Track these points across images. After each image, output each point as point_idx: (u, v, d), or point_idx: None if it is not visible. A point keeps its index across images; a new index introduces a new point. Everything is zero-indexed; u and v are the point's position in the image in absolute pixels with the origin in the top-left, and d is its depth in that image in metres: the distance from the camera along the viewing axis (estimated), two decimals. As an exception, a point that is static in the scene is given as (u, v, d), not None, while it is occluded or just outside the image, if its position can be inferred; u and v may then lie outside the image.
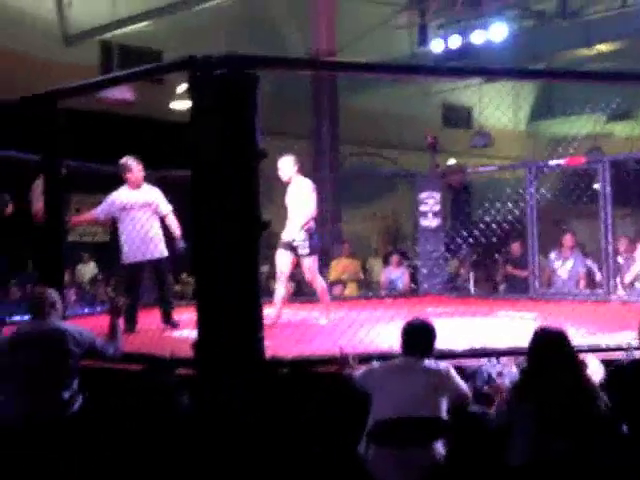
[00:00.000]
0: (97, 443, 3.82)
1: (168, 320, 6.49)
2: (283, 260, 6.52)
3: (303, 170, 6.70)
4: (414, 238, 10.01)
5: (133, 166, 6.53)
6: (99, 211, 6.65)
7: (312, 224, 6.51)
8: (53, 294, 4.25)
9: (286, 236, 6.52)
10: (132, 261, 6.43)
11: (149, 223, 6.39)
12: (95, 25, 13.94)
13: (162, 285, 6.64)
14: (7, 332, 4.53)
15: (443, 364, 3.89)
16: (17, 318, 6.46)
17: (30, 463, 3.76)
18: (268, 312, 6.08)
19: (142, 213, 6.42)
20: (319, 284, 6.69)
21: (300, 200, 6.48)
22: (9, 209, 5.47)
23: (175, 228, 6.52)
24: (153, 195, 6.54)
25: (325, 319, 6.58)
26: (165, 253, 6.50)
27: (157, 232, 6.48)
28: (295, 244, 6.45)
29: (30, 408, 3.87)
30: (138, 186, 6.55)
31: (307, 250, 6.44)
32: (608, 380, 3.74)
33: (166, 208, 6.58)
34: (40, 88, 5.51)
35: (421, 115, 11.58)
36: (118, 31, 12.35)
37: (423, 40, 12.61)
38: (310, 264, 6.52)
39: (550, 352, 3.53)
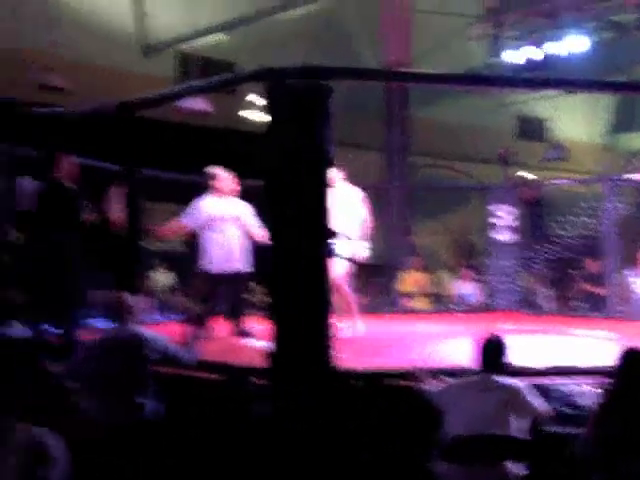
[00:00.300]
0: (172, 448, 3.86)
1: (239, 330, 6.44)
2: (337, 269, 6.38)
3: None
4: (486, 252, 9.85)
5: (221, 175, 6.44)
6: (188, 220, 6.47)
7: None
8: (132, 300, 4.33)
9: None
10: (216, 272, 6.33)
11: (236, 235, 6.33)
12: (171, 36, 14.26)
13: (237, 296, 6.57)
14: (86, 337, 4.65)
15: (517, 381, 3.80)
16: (95, 323, 6.61)
17: (108, 467, 3.82)
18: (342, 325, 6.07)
19: (230, 224, 6.34)
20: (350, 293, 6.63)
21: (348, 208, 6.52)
22: (89, 217, 5.62)
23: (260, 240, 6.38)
24: (241, 207, 6.44)
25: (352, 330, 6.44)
26: (249, 267, 6.34)
27: (243, 245, 6.37)
28: (339, 250, 6.36)
29: (107, 411, 3.96)
30: (225, 195, 6.47)
31: (347, 255, 6.44)
32: None
33: (252, 221, 6.44)
34: (119, 98, 5.64)
35: (494, 127, 11.43)
36: (193, 42, 12.59)
37: (497, 51, 12.44)
38: (348, 270, 6.50)
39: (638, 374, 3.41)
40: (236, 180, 6.46)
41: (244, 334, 6.35)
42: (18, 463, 2.27)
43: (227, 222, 6.36)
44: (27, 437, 2.35)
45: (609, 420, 3.41)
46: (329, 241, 6.10)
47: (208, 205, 6.43)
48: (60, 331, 5.36)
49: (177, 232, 6.58)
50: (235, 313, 6.52)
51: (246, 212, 6.38)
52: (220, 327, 6.50)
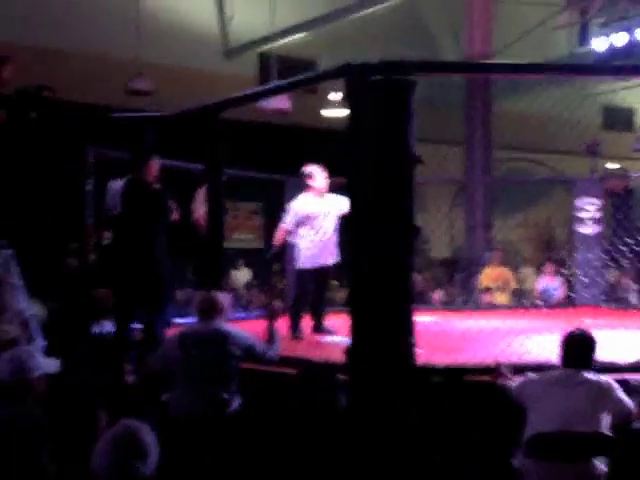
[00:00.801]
0: (255, 443, 3.95)
1: (320, 326, 6.51)
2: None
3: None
4: (571, 246, 9.62)
5: (317, 174, 6.51)
6: (288, 223, 6.57)
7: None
8: (222, 298, 4.44)
9: None
10: (309, 267, 6.44)
11: (330, 231, 6.41)
12: (253, 38, 14.47)
13: (322, 291, 6.66)
14: (171, 333, 4.79)
15: (604, 377, 3.73)
16: (181, 320, 6.81)
17: (193, 462, 3.94)
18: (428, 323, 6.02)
19: (324, 221, 6.43)
20: None
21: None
22: (175, 216, 5.77)
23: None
24: (337, 203, 6.37)
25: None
26: (338, 259, 6.40)
27: (335, 239, 6.43)
28: None
29: (193, 405, 4.07)
30: (322, 194, 6.54)
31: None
32: None
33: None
34: (203, 99, 5.79)
35: (581, 118, 11.12)
36: (274, 43, 12.75)
37: (584, 39, 12.11)
38: None
39: None
40: (329, 176, 6.49)
41: (325, 331, 6.42)
42: (114, 456, 2.33)
43: (322, 219, 6.44)
44: (123, 430, 2.41)
45: None
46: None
47: (304, 204, 6.52)
48: (149, 329, 5.50)
49: (284, 236, 6.66)
50: (317, 308, 6.60)
51: (341, 206, 6.23)
52: (303, 323, 6.59)
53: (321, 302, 6.64)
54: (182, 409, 4.10)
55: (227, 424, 4.12)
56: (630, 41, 11.52)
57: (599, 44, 11.87)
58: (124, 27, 13.06)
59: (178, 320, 6.84)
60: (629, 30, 11.54)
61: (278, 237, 6.64)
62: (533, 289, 10.49)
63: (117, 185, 5.71)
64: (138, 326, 5.60)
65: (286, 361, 4.58)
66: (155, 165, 5.73)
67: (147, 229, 5.51)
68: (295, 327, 6.43)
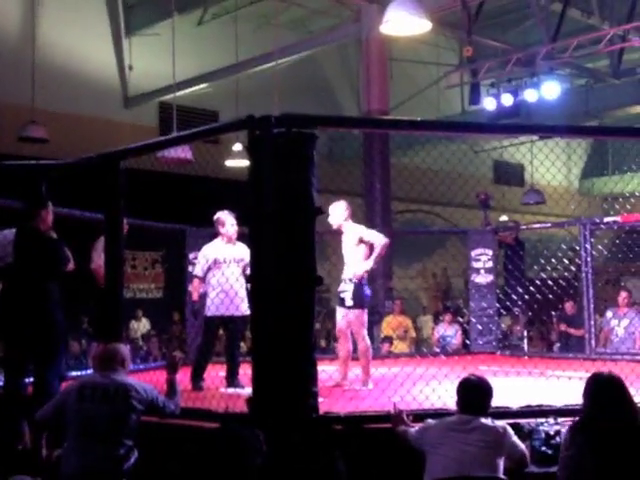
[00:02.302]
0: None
1: (233, 381, 6.35)
2: (338, 316, 6.33)
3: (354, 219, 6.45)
4: (466, 295, 9.95)
5: (227, 221, 6.49)
6: (199, 271, 6.56)
7: (363, 274, 6.18)
8: (124, 350, 4.32)
9: (339, 288, 6.31)
10: (214, 314, 6.37)
11: (237, 280, 6.33)
12: (154, 87, 14.46)
13: (233, 343, 6.56)
14: (67, 386, 4.61)
15: (500, 423, 3.84)
16: (76, 373, 6.58)
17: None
18: (331, 372, 6.04)
19: (233, 268, 6.39)
20: (363, 343, 6.26)
21: (353, 248, 6.24)
22: (71, 265, 5.61)
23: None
24: (245, 252, 6.18)
25: (363, 385, 6.15)
26: (247, 312, 6.16)
27: (243, 289, 6.35)
28: (342, 295, 6.24)
29: (87, 460, 3.92)
30: (232, 241, 6.51)
31: (351, 302, 6.16)
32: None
33: None
34: (100, 148, 5.72)
35: (474, 172, 11.63)
36: (176, 93, 12.79)
37: (475, 99, 12.71)
38: (352, 318, 6.20)
39: (606, 394, 3.46)
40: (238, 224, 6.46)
41: (238, 386, 6.27)
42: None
43: (231, 265, 6.40)
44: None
45: (576, 446, 3.43)
46: (344, 289, 6.13)
47: (213, 249, 6.52)
48: (40, 382, 5.28)
49: (200, 286, 6.59)
50: (230, 361, 6.50)
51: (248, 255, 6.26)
52: (209, 373, 6.49)
53: (232, 355, 6.50)
54: (74, 466, 3.93)
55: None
56: (516, 101, 12.17)
57: (489, 103, 12.49)
58: (18, 73, 12.81)
59: (73, 373, 6.62)
60: (516, 91, 12.20)
61: (195, 289, 6.62)
62: (431, 337, 10.74)
63: (9, 235, 5.52)
64: (30, 380, 5.38)
65: (187, 413, 4.50)
66: (49, 213, 5.57)
67: (39, 278, 5.32)
68: (196, 378, 6.33)
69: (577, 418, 3.64)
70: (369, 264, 6.19)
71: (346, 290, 6.20)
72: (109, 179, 5.42)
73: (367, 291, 6.29)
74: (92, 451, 3.93)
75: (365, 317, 6.31)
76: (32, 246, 5.37)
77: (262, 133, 4.42)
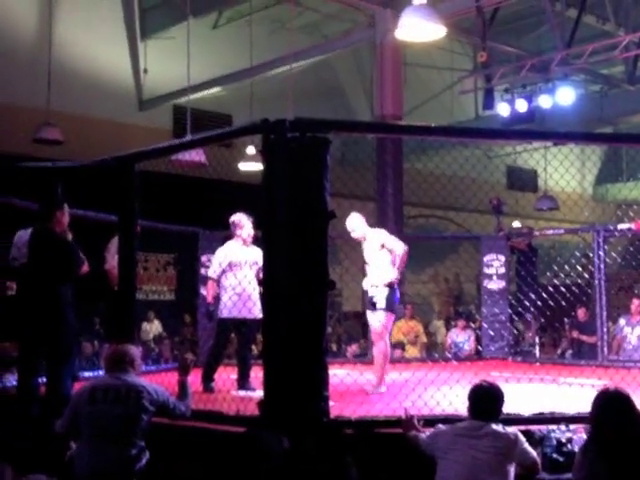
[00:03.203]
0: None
1: (244, 384, 6.35)
2: (372, 320, 6.29)
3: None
4: (478, 300, 9.93)
5: (244, 223, 6.52)
6: (213, 273, 6.59)
7: (394, 279, 6.22)
8: (135, 351, 4.34)
9: (369, 293, 6.29)
10: (227, 316, 6.39)
11: (250, 283, 6.36)
12: (168, 90, 14.53)
13: (245, 345, 6.58)
14: (79, 386, 4.64)
15: (511, 429, 3.83)
16: (88, 374, 6.62)
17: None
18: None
19: (247, 271, 6.41)
20: (382, 346, 6.28)
21: (377, 254, 6.27)
22: (85, 267, 5.64)
23: None
24: (259, 255, 6.08)
25: (377, 388, 6.15)
26: (260, 315, 6.02)
27: (256, 292, 6.34)
28: (374, 300, 6.24)
29: (99, 461, 3.94)
30: (247, 243, 6.54)
31: (384, 305, 6.19)
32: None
33: None
34: (115, 150, 5.75)
35: (486, 178, 11.63)
36: (190, 96, 12.84)
37: (488, 104, 12.69)
38: (384, 320, 6.20)
39: (615, 412, 3.42)
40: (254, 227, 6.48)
41: (249, 387, 6.30)
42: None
43: (245, 268, 6.43)
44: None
45: (589, 464, 3.40)
46: (375, 294, 6.14)
47: (229, 252, 6.54)
48: (53, 383, 5.32)
49: (215, 289, 6.61)
50: (242, 364, 6.51)
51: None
52: (220, 375, 6.50)
53: (244, 358, 6.51)
54: (86, 467, 3.96)
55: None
56: (530, 107, 12.14)
57: (503, 109, 12.47)
58: (34, 75, 12.90)
59: (85, 374, 6.66)
60: (530, 97, 12.18)
61: (210, 292, 6.64)
62: (443, 342, 10.73)
63: (24, 235, 5.57)
64: (44, 380, 5.42)
65: (198, 415, 4.51)
66: (64, 215, 5.60)
67: (52, 280, 5.36)
68: (207, 379, 6.35)
69: (586, 437, 3.62)
70: (395, 272, 6.24)
71: (378, 294, 6.23)
72: (124, 181, 5.45)
73: (397, 296, 6.36)
74: (104, 452, 3.95)
75: (391, 321, 6.37)
76: (46, 247, 5.41)
77: (276, 137, 4.43)
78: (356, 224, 6.36)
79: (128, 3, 15.15)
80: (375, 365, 6.32)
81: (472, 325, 10.54)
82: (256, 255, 6.34)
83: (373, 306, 6.26)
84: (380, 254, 6.27)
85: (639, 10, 12.62)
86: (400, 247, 6.25)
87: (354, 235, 6.38)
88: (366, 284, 6.36)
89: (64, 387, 5.24)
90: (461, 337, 10.29)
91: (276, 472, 2.70)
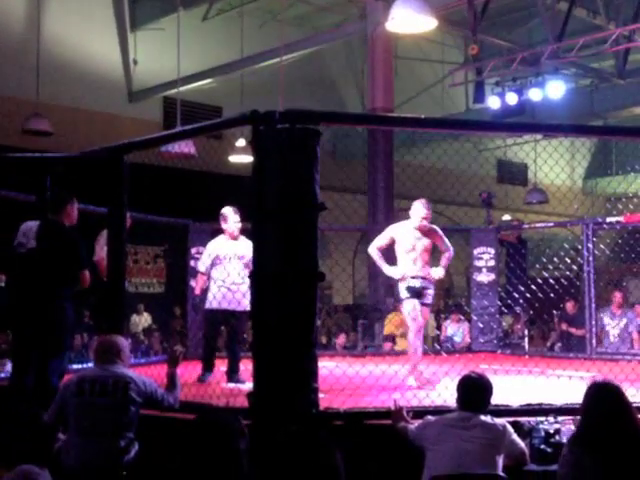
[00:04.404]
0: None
1: (233, 377, 6.36)
2: (409, 308, 6.26)
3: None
4: (468, 293, 9.96)
5: (229, 217, 6.54)
6: (202, 267, 6.65)
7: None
8: (122, 342, 4.33)
9: (414, 282, 6.29)
10: (215, 307, 6.43)
11: (239, 275, 6.38)
12: (158, 82, 14.47)
13: (234, 338, 6.58)
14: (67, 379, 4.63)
15: (500, 420, 3.85)
16: (77, 366, 6.59)
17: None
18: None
19: (234, 264, 6.44)
20: (416, 338, 6.24)
21: (428, 250, 6.39)
22: (87, 277, 5.54)
23: None
24: (248, 248, 6.14)
25: (409, 377, 6.09)
26: (247, 308, 6.11)
27: (245, 285, 6.31)
28: (426, 292, 6.32)
29: (88, 453, 3.94)
30: (234, 237, 6.57)
31: (431, 300, 6.37)
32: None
33: None
34: (104, 142, 5.73)
35: (476, 171, 11.67)
36: (180, 88, 12.80)
37: (479, 97, 12.70)
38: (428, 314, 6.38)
39: (606, 403, 3.43)
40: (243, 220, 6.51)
41: (238, 379, 6.30)
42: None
43: (232, 261, 6.46)
44: (21, 476, 2.38)
45: (575, 459, 3.41)
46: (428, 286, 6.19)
47: (216, 245, 6.60)
48: (42, 375, 5.28)
49: (205, 282, 6.66)
50: (230, 357, 6.53)
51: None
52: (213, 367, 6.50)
53: (233, 350, 6.51)
54: (75, 459, 3.95)
55: (123, 473, 4.00)
56: (520, 100, 12.16)
57: (493, 102, 12.48)
58: (22, 66, 12.83)
59: (74, 366, 6.64)
60: (521, 90, 12.19)
61: (199, 285, 6.71)
62: (433, 335, 10.76)
63: (33, 226, 5.46)
64: (35, 371, 5.39)
65: (186, 407, 4.51)
66: (74, 208, 5.54)
67: (57, 273, 5.28)
68: (205, 370, 6.43)
69: (575, 429, 3.63)
70: (443, 271, 6.43)
71: (429, 288, 6.35)
72: (113, 173, 5.42)
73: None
74: (92, 444, 3.94)
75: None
76: (54, 239, 5.30)
77: (266, 128, 4.41)
78: (415, 210, 6.39)
79: (118, -6, 15.07)
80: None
81: (464, 318, 10.57)
82: (244, 248, 6.35)
83: (421, 297, 6.31)
84: (428, 250, 6.40)
85: (629, 3, 12.64)
86: (451, 250, 6.54)
87: (426, 222, 6.39)
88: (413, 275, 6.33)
89: (52, 381, 5.20)
90: (455, 330, 10.33)
91: (255, 459, 2.70)
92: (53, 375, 5.25)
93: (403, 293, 6.28)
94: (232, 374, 6.38)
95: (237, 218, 6.53)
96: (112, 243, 5.47)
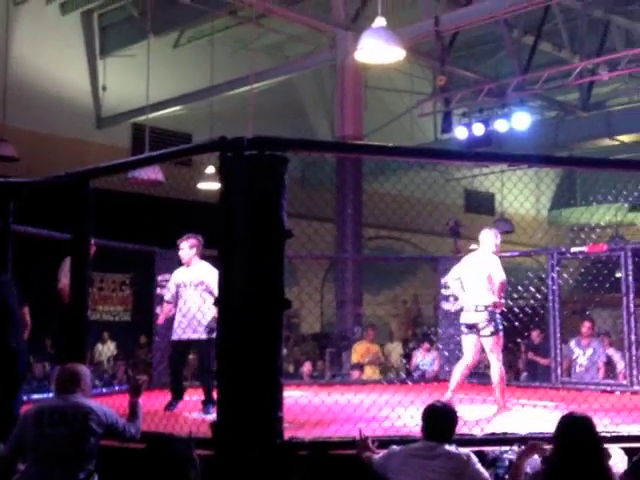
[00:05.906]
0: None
1: (205, 408, 6.17)
2: (468, 343, 6.46)
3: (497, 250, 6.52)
4: (436, 321, 9.98)
5: (181, 244, 6.57)
6: (167, 295, 6.72)
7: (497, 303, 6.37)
8: (84, 371, 4.24)
9: (469, 318, 6.41)
10: (174, 338, 6.45)
11: (194, 303, 6.32)
12: (127, 108, 14.43)
13: (201, 366, 6.53)
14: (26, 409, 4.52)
15: (464, 450, 3.84)
16: (38, 396, 6.46)
17: None
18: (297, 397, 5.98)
19: (191, 291, 6.41)
20: (500, 367, 6.43)
21: (484, 277, 6.37)
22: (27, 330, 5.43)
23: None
24: (203, 273, 6.35)
25: (502, 408, 6.25)
26: (203, 335, 6.23)
27: (201, 312, 6.23)
28: (480, 326, 6.35)
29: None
30: (187, 264, 6.56)
31: (493, 330, 6.34)
32: (630, 471, 3.66)
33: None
34: (72, 168, 5.65)
35: (443, 199, 11.79)
36: (149, 114, 12.78)
37: (447, 127, 12.86)
38: (493, 344, 6.38)
39: (577, 439, 3.44)
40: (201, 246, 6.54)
41: (208, 412, 6.10)
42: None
43: (189, 289, 6.44)
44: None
45: None
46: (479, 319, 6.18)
47: (175, 274, 6.64)
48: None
49: (169, 312, 6.67)
50: (202, 387, 6.41)
51: (211, 276, 6.08)
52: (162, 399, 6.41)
53: (203, 380, 6.40)
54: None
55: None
56: (487, 131, 12.34)
57: (461, 132, 12.64)
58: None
59: (35, 396, 6.50)
60: (487, 121, 12.37)
61: (163, 314, 6.75)
62: (398, 363, 10.75)
63: None
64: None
65: (148, 437, 4.43)
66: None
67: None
68: (173, 397, 6.38)
69: (540, 460, 3.64)
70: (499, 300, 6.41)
71: (482, 318, 6.35)
72: (78, 198, 5.36)
73: (499, 317, 6.49)
74: (50, 476, 3.85)
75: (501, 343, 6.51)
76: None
77: (234, 155, 4.41)
78: (486, 238, 6.51)
79: (88, 20, 15.06)
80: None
81: (432, 346, 10.57)
82: (199, 275, 6.38)
83: (476, 330, 6.38)
84: (485, 280, 6.36)
85: (593, 38, 12.93)
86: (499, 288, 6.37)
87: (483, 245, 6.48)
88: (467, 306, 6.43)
89: (12, 411, 5.07)
90: (426, 359, 10.35)
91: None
92: (13, 405, 5.11)
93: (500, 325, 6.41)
94: (205, 405, 6.24)
95: (185, 245, 6.54)
96: (75, 270, 5.38)
